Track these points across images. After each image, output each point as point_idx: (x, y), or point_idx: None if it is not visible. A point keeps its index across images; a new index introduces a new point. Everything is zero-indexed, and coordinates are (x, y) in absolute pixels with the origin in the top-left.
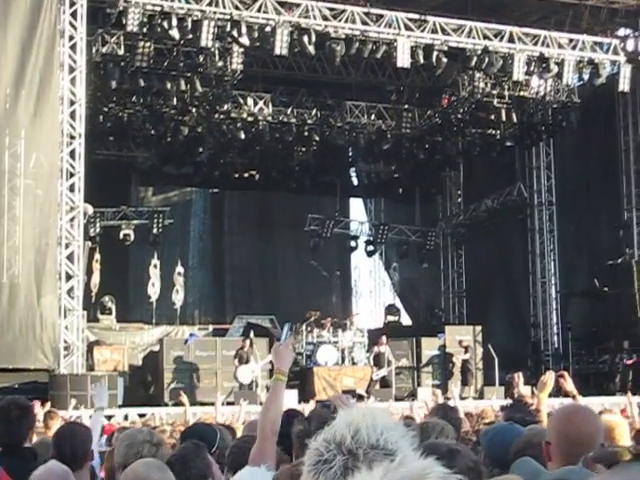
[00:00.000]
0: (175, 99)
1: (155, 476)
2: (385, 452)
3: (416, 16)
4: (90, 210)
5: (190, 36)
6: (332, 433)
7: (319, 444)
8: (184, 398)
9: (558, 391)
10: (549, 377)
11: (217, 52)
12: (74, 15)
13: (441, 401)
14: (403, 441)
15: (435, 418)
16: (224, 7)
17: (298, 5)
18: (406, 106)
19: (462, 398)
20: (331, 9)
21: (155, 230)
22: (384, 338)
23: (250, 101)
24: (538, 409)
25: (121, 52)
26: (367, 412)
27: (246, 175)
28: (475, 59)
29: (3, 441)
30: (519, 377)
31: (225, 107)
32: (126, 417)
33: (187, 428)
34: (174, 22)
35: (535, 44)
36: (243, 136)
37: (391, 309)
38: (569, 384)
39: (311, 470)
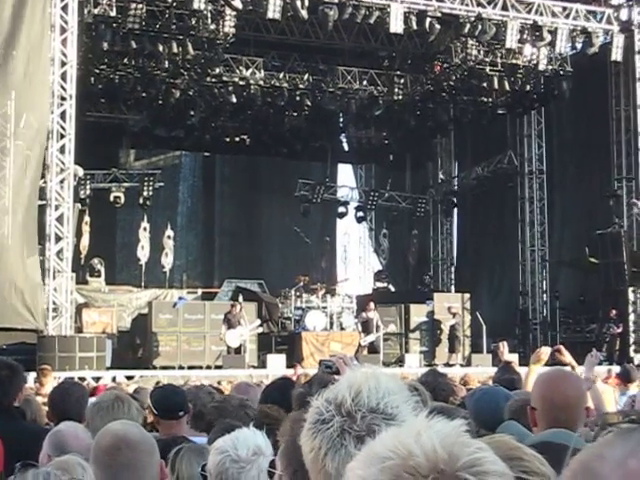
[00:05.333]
0: (167, 62)
1: (138, 434)
2: (384, 416)
3: None
4: (80, 172)
5: None
6: (334, 393)
7: (320, 403)
8: None
9: (553, 365)
10: (544, 352)
11: (209, 15)
12: None
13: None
14: (404, 406)
15: (416, 382)
16: None
17: None
18: (398, 72)
19: (449, 365)
20: None
21: (145, 193)
22: (372, 304)
23: (242, 65)
24: (526, 379)
25: (113, 14)
26: (371, 375)
27: (237, 139)
28: (468, 26)
29: None
30: (504, 346)
31: (217, 71)
32: (114, 379)
33: (155, 392)
34: None
35: (529, 12)
36: (234, 100)
37: (380, 275)
38: (567, 356)
39: (310, 429)
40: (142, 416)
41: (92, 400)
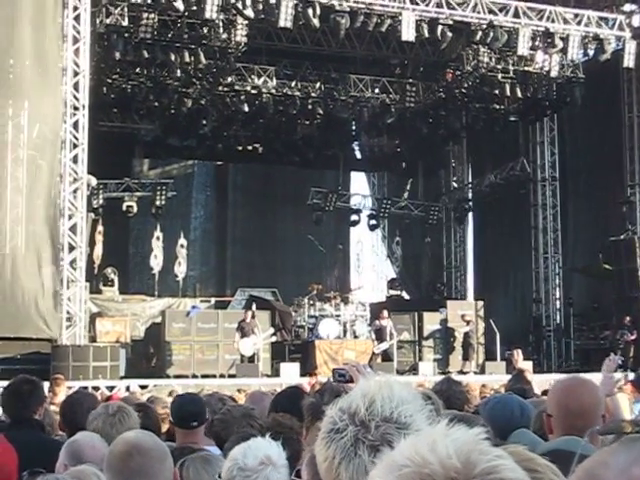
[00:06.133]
0: (179, 71)
1: (150, 441)
2: (398, 425)
3: None
4: (93, 182)
5: (194, 8)
6: (348, 403)
7: (334, 413)
8: None
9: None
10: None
11: (221, 24)
12: None
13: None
14: (418, 415)
15: (429, 391)
16: None
17: None
18: (410, 80)
19: (463, 373)
20: None
21: (158, 202)
22: (385, 312)
23: (254, 74)
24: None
25: (125, 23)
26: (385, 384)
27: (249, 148)
28: (480, 33)
29: (13, 414)
30: (518, 354)
31: (229, 80)
32: (128, 388)
33: (174, 401)
34: None
35: (540, 19)
36: (247, 109)
37: (393, 283)
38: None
39: (324, 438)
40: (157, 425)
41: (93, 412)
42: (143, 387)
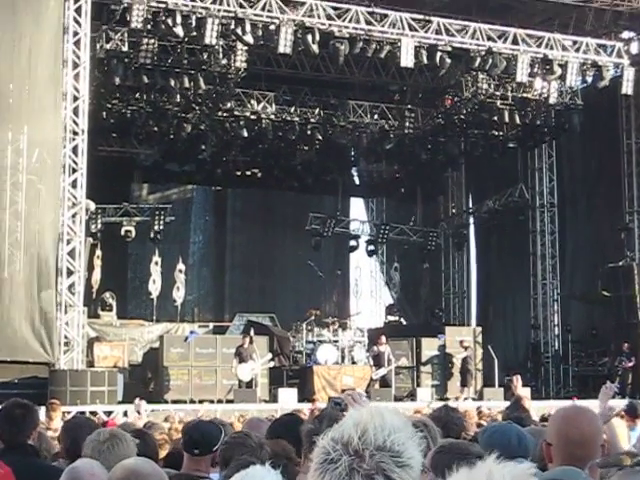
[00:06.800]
0: (178, 96)
1: (149, 468)
2: (392, 454)
3: (420, 16)
4: (92, 206)
5: (194, 33)
6: (340, 432)
7: (326, 443)
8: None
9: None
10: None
11: (221, 50)
12: (78, 11)
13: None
14: (410, 442)
15: (425, 418)
16: (228, 5)
17: (302, 4)
18: (409, 106)
19: (459, 399)
20: (335, 8)
21: (156, 227)
22: (384, 338)
23: (253, 99)
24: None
25: (125, 49)
26: (376, 412)
27: (248, 173)
28: (479, 60)
29: (6, 438)
30: (517, 380)
31: (228, 105)
32: (125, 413)
33: (189, 425)
34: (178, 19)
35: (539, 46)
36: (246, 134)
37: (391, 309)
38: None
39: (317, 469)
40: (154, 451)
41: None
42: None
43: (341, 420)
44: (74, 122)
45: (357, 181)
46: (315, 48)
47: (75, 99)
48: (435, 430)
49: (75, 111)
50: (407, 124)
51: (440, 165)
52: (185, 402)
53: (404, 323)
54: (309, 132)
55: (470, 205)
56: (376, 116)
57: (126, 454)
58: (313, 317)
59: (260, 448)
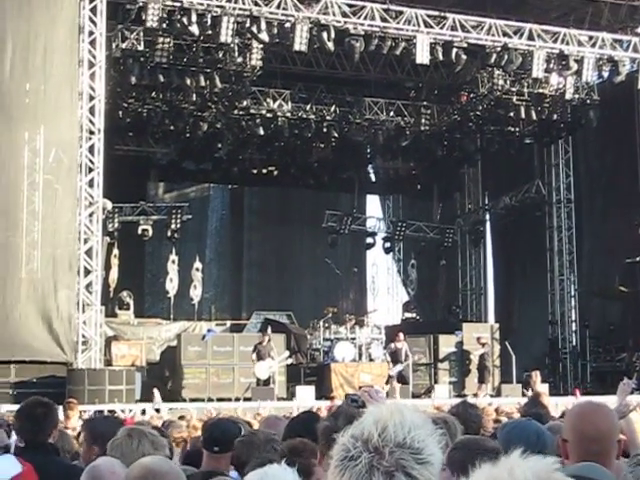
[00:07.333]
0: (194, 95)
1: (165, 466)
2: (412, 451)
3: (435, 13)
4: (109, 205)
5: (210, 32)
6: (360, 429)
7: (346, 440)
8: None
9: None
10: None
11: (236, 48)
12: (94, 11)
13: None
14: (430, 439)
15: (444, 414)
16: (244, 3)
17: (317, 1)
18: (425, 103)
19: (474, 395)
20: (350, 5)
21: (173, 226)
22: (401, 335)
23: (269, 97)
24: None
25: (141, 48)
26: (396, 409)
27: (265, 171)
28: (494, 56)
29: (27, 437)
30: (536, 375)
31: (244, 103)
32: (143, 412)
33: (209, 423)
34: (194, 18)
35: (555, 41)
36: (262, 132)
37: (408, 306)
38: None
39: (337, 466)
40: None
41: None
42: (158, 411)
43: (358, 417)
44: (90, 121)
45: (373, 178)
46: (330, 45)
47: (91, 98)
48: (456, 427)
49: (91, 110)
50: (423, 121)
51: (456, 162)
52: (203, 400)
53: (421, 320)
54: (325, 130)
55: (486, 201)
56: (392, 113)
57: (148, 452)
58: (330, 314)
59: (266, 444)
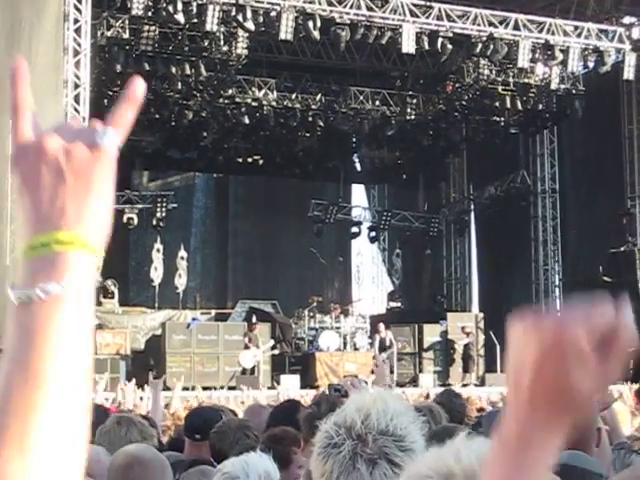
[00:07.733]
0: (180, 83)
1: (149, 453)
2: (394, 438)
3: (421, 2)
4: None
5: (195, 20)
6: (343, 417)
7: (329, 427)
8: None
9: None
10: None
11: (222, 36)
12: None
13: None
14: (412, 427)
15: (429, 402)
16: None
17: None
18: (410, 92)
19: (463, 385)
20: None
21: (158, 214)
22: (382, 325)
23: (254, 86)
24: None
25: (126, 36)
26: (378, 397)
27: (250, 160)
28: (480, 46)
29: None
30: None
31: (230, 92)
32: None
33: (191, 411)
34: (179, 6)
35: (540, 31)
36: (247, 121)
37: (393, 295)
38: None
39: (320, 453)
40: (155, 437)
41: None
42: (142, 399)
43: (341, 404)
44: (75, 109)
45: (359, 167)
46: (316, 34)
47: (76, 86)
48: (441, 415)
49: (76, 98)
50: (408, 110)
51: (441, 151)
52: (187, 389)
53: (406, 309)
54: (310, 119)
55: (471, 191)
56: (377, 102)
57: (136, 440)
58: (315, 304)
59: (238, 431)
